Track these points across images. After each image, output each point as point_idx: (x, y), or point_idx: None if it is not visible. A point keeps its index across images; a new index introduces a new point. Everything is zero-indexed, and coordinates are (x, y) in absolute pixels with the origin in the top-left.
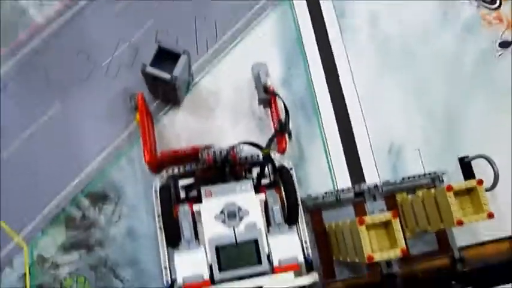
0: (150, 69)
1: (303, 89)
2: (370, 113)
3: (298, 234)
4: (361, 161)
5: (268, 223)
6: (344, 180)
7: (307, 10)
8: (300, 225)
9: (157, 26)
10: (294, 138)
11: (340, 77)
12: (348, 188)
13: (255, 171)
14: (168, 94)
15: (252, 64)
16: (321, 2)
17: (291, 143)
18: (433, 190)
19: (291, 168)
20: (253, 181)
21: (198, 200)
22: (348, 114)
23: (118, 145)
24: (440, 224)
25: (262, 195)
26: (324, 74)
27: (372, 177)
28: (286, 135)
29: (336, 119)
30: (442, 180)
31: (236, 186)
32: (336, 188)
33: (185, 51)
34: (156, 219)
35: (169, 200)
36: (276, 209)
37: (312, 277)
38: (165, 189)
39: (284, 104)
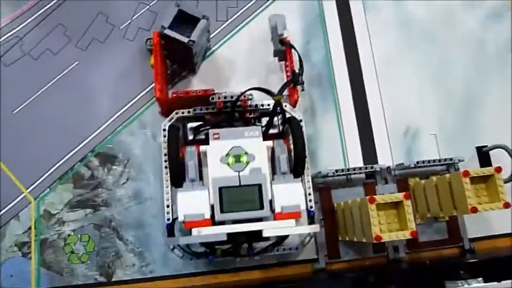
0: (169, 31)
1: (320, 64)
2: (388, 94)
3: (302, 185)
4: (375, 142)
5: (273, 172)
6: (356, 160)
7: None
8: (305, 177)
9: None
10: (309, 113)
11: (359, 55)
12: (360, 168)
13: (265, 120)
14: (184, 60)
15: (269, 16)
16: None
17: (305, 116)
18: (447, 175)
19: (301, 120)
20: (262, 128)
21: (206, 142)
22: (365, 92)
23: (131, 108)
24: (453, 211)
25: (269, 142)
26: (343, 50)
27: (385, 158)
28: (299, 88)
29: (353, 96)
30: (458, 168)
31: (244, 131)
32: (347, 167)
33: (205, 16)
34: (163, 158)
35: (176, 139)
36: (283, 158)
37: (313, 227)
38: (173, 129)
39: (299, 57)
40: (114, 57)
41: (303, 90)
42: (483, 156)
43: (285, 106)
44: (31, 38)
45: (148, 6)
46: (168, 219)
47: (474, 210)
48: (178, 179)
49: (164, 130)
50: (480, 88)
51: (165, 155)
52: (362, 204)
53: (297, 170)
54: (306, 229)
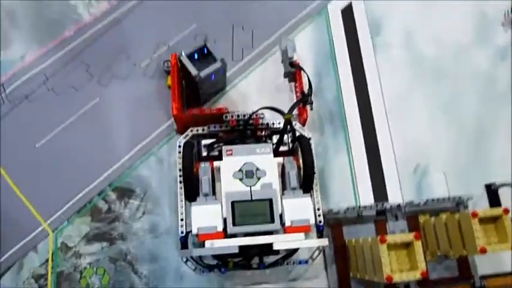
0: (184, 58)
1: (332, 101)
2: (398, 131)
3: (311, 200)
4: (386, 178)
5: (283, 187)
6: (367, 196)
7: (342, 25)
8: (314, 192)
9: (198, 31)
10: (321, 148)
11: (369, 93)
12: (371, 206)
13: (276, 138)
14: (192, 91)
15: (280, 38)
16: (355, 18)
17: (317, 151)
18: (457, 215)
19: (310, 138)
20: (272, 145)
21: (219, 158)
22: (375, 129)
23: (149, 143)
24: (463, 250)
25: (280, 159)
26: (353, 88)
27: (395, 195)
28: (308, 107)
29: (363, 133)
30: (467, 206)
31: (256, 148)
32: (359, 205)
33: (222, 60)
34: (178, 173)
35: (191, 155)
36: (293, 174)
37: (322, 241)
38: (188, 145)
39: (308, 78)
40: (134, 94)
41: (311, 109)
42: (492, 194)
43: (295, 125)
44: (55, 74)
45: (167, 46)
46: (182, 232)
47: (483, 250)
48: (192, 193)
49: (179, 146)
50: (490, 124)
51: (180, 170)
52: (373, 243)
53: (306, 185)
54: (315, 243)
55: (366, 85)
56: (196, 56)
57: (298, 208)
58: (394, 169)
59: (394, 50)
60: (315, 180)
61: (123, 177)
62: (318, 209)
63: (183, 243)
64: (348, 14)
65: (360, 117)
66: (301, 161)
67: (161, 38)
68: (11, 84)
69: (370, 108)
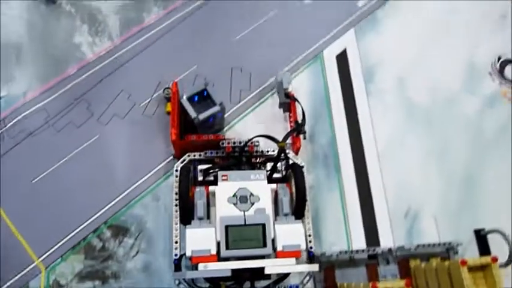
0: (184, 101)
1: (326, 145)
2: (390, 175)
3: (303, 226)
4: (377, 222)
5: (276, 213)
6: (359, 239)
7: (336, 71)
8: (305, 219)
9: (198, 71)
10: (315, 190)
11: (362, 137)
12: (363, 250)
13: (270, 165)
14: (191, 126)
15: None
16: (350, 63)
17: (310, 194)
18: (447, 262)
19: (303, 166)
20: (266, 172)
21: (214, 183)
22: (367, 173)
23: (145, 182)
24: None
25: (273, 185)
26: (347, 132)
27: (387, 239)
28: (301, 137)
29: (356, 177)
30: (457, 252)
31: (251, 174)
32: (351, 249)
33: (221, 103)
34: (173, 196)
35: (187, 179)
36: (285, 200)
37: (312, 266)
38: (185, 170)
39: (302, 109)
40: (133, 132)
41: (304, 138)
42: (481, 239)
43: (288, 153)
44: (56, 111)
45: (167, 85)
46: (176, 255)
47: None
48: (187, 216)
49: (176, 171)
50: (478, 171)
51: (176, 193)
52: None
53: (298, 211)
54: (306, 267)
55: (359, 129)
56: (196, 98)
57: (290, 234)
58: (386, 213)
59: (387, 95)
60: (306, 207)
61: (118, 215)
62: (309, 235)
63: (176, 265)
64: (342, 59)
65: (353, 161)
66: (293, 188)
67: (162, 78)
68: (12, 119)
69: (363, 152)
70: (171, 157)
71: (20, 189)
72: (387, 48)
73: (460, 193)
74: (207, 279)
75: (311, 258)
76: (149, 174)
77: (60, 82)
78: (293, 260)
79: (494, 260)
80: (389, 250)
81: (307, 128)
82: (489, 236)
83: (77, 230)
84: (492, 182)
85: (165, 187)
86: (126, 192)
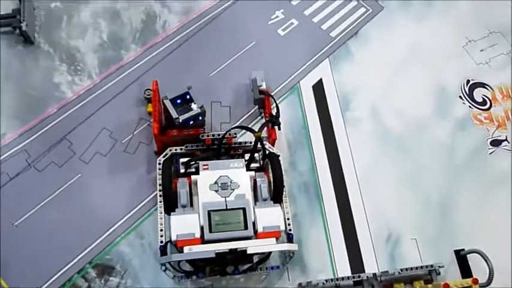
0: (167, 102)
1: (307, 173)
2: (370, 200)
3: (281, 210)
4: (361, 248)
5: (256, 199)
6: (344, 266)
7: (313, 100)
8: (283, 203)
9: None
10: (298, 219)
11: (342, 166)
12: (348, 277)
13: (248, 156)
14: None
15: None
16: (326, 93)
17: (294, 223)
18: (430, 286)
19: (279, 155)
20: (245, 161)
21: (196, 174)
22: (348, 201)
23: (129, 219)
24: None
25: (252, 172)
26: (327, 160)
27: (371, 264)
28: (276, 128)
29: (338, 204)
30: (439, 273)
31: (230, 163)
32: (336, 276)
33: (202, 107)
34: (158, 188)
35: (170, 171)
36: (264, 186)
37: (292, 246)
38: (167, 163)
39: (276, 103)
40: (115, 170)
41: (279, 129)
42: (461, 259)
43: (265, 144)
44: (37, 151)
45: (148, 122)
46: (162, 242)
47: None
48: (171, 205)
49: (159, 164)
50: (453, 192)
51: (160, 185)
52: None
53: (276, 197)
54: (285, 246)
55: (339, 157)
56: (179, 101)
57: (269, 216)
58: (369, 238)
59: (363, 123)
60: (284, 193)
61: (103, 254)
62: (288, 219)
63: (162, 251)
64: (318, 89)
65: (334, 189)
66: (271, 175)
67: (143, 115)
68: None
69: (344, 180)
70: (154, 154)
71: (1, 233)
72: (361, 77)
73: (437, 216)
74: (191, 263)
75: (290, 239)
76: (133, 212)
77: (40, 122)
78: (273, 240)
79: (475, 281)
80: (374, 275)
81: (288, 158)
82: (469, 256)
83: (62, 271)
84: (466, 203)
85: (148, 225)
86: (110, 231)
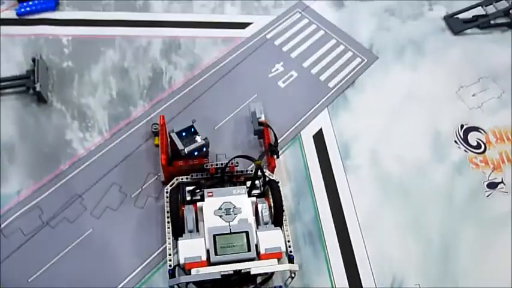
0: (173, 135)
1: (310, 222)
2: (373, 246)
3: (282, 233)
4: None
5: (257, 223)
6: None
7: (314, 149)
8: (284, 227)
9: None
10: (302, 272)
11: (344, 212)
12: None
13: (249, 184)
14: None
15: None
16: (327, 143)
17: (299, 273)
18: None
19: (279, 182)
20: (246, 188)
21: (201, 201)
22: (352, 248)
23: (140, 272)
24: None
25: (253, 198)
26: (329, 208)
27: None
28: (275, 157)
29: (341, 253)
30: None
31: (233, 190)
32: None
33: (206, 138)
34: (166, 214)
35: (176, 198)
36: (265, 211)
37: (293, 266)
38: (174, 190)
39: (274, 133)
40: (125, 224)
41: (277, 158)
42: None
43: (265, 171)
44: (50, 208)
45: (156, 176)
46: (170, 266)
47: None
48: (179, 231)
49: (167, 192)
50: (454, 235)
51: (167, 212)
52: None
53: (277, 220)
54: (287, 266)
55: (341, 205)
56: (184, 134)
57: (270, 238)
58: (373, 285)
59: (363, 169)
60: (284, 216)
61: None
62: (288, 241)
63: (171, 274)
64: (319, 139)
65: (337, 237)
66: (271, 200)
67: (150, 170)
68: (7, 219)
69: (346, 227)
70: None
71: None
72: (359, 124)
73: (439, 259)
74: (198, 285)
75: (291, 260)
76: (143, 265)
77: (53, 179)
78: (275, 260)
79: None
80: None
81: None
82: None
83: None
84: (468, 246)
85: (159, 276)
86: (121, 285)
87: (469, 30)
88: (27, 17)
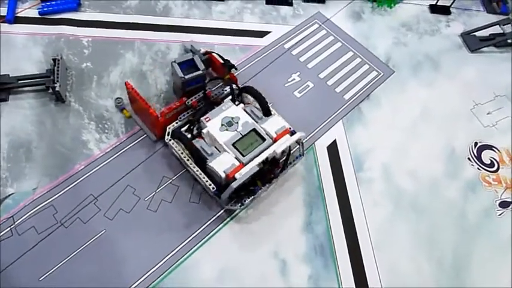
0: (175, 65)
1: (322, 235)
2: (384, 262)
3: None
4: None
5: (255, 121)
6: None
7: (328, 162)
8: (273, 114)
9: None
10: (312, 282)
11: (356, 225)
12: None
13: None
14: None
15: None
16: (340, 155)
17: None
18: None
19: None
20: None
21: (200, 133)
22: (363, 264)
23: (152, 275)
24: None
25: (241, 105)
26: (341, 221)
27: None
28: (234, 71)
29: (352, 267)
30: None
31: (222, 107)
32: None
33: (204, 69)
34: (182, 158)
35: (183, 135)
36: (254, 109)
37: (300, 133)
38: (175, 131)
39: (217, 54)
40: (138, 226)
41: (236, 69)
42: None
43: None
44: (64, 207)
45: (170, 180)
46: (213, 188)
47: None
48: (202, 159)
49: (170, 140)
50: (467, 253)
51: (182, 153)
52: None
53: (265, 111)
54: (297, 135)
55: (353, 218)
56: (184, 66)
57: (273, 123)
58: None
59: (376, 183)
60: (270, 105)
61: None
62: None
63: (220, 191)
64: (333, 150)
65: (348, 250)
66: (253, 102)
67: (164, 173)
68: (21, 216)
69: (357, 241)
70: (155, 141)
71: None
72: (373, 138)
73: (452, 277)
74: (235, 192)
75: (293, 133)
76: (154, 268)
77: (68, 179)
78: (288, 135)
79: None
80: None
81: (304, 221)
82: None
83: None
84: (480, 265)
85: (169, 281)
86: (134, 285)
87: (485, 49)
88: (49, 17)
